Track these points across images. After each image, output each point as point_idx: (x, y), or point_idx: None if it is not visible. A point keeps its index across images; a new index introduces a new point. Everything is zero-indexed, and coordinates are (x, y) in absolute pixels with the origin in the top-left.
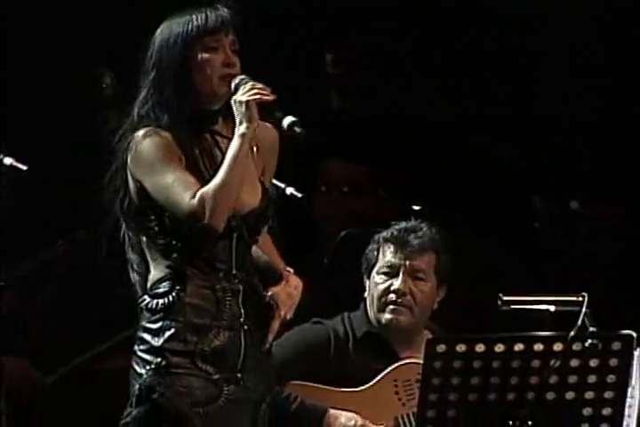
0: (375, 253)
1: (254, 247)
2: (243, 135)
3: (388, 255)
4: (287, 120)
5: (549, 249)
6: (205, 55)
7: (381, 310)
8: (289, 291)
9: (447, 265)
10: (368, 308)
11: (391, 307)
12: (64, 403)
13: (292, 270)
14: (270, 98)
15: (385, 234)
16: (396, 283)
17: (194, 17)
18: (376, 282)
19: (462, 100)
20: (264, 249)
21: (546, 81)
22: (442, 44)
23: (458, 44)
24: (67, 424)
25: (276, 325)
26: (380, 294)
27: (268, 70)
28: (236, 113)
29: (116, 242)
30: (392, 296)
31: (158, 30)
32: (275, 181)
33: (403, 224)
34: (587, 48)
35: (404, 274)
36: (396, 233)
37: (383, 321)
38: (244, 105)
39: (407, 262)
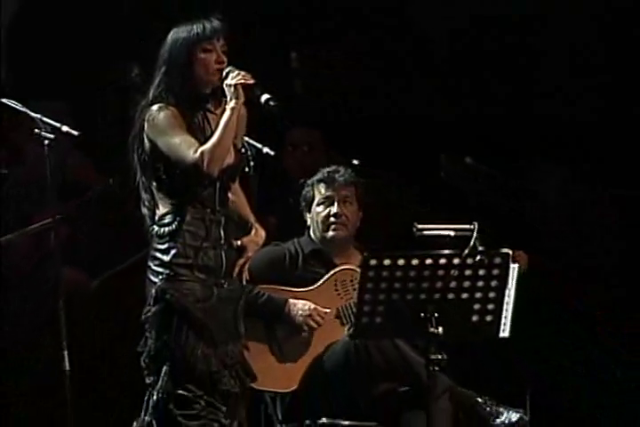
0: (311, 192)
1: (233, 205)
2: (232, 108)
3: (322, 191)
4: (264, 97)
5: (451, 191)
6: (203, 55)
7: (326, 229)
8: (256, 240)
9: (364, 194)
10: (312, 232)
11: (333, 226)
12: (104, 301)
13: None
14: (251, 81)
15: (316, 178)
16: (333, 209)
17: (194, 27)
18: (317, 211)
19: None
20: (239, 204)
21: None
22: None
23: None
24: (106, 316)
25: (242, 261)
26: (322, 219)
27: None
28: (227, 93)
29: None
30: (332, 219)
31: (169, 36)
32: (254, 142)
33: (325, 169)
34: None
35: (337, 202)
36: (325, 175)
37: (328, 237)
38: (232, 87)
39: (338, 193)
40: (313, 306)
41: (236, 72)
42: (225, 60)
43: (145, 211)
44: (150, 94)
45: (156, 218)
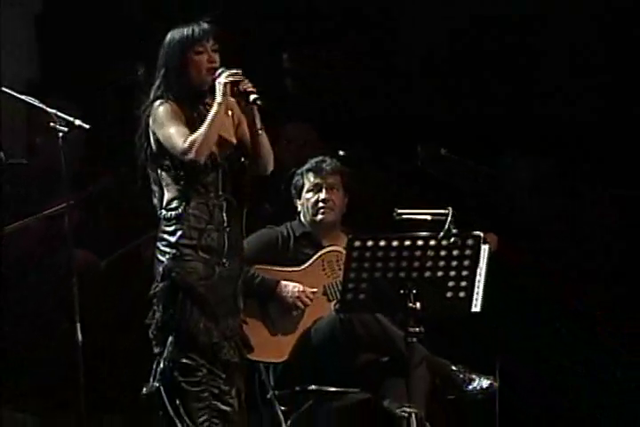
0: (301, 181)
1: None
2: (219, 104)
3: (311, 179)
4: (252, 96)
5: (428, 180)
6: (196, 56)
7: (315, 214)
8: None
9: (349, 182)
10: (302, 217)
11: (322, 210)
12: (113, 279)
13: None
14: (241, 79)
15: (304, 168)
16: (322, 195)
17: (185, 30)
18: (307, 198)
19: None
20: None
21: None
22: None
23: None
24: (114, 293)
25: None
26: (312, 205)
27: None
28: (216, 89)
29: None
30: (321, 204)
31: (165, 38)
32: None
33: (313, 159)
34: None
35: (325, 188)
36: (314, 164)
37: (317, 220)
38: (222, 84)
39: (325, 180)
40: (302, 288)
41: (227, 72)
42: (216, 59)
43: (155, 201)
44: (152, 94)
45: (164, 203)
